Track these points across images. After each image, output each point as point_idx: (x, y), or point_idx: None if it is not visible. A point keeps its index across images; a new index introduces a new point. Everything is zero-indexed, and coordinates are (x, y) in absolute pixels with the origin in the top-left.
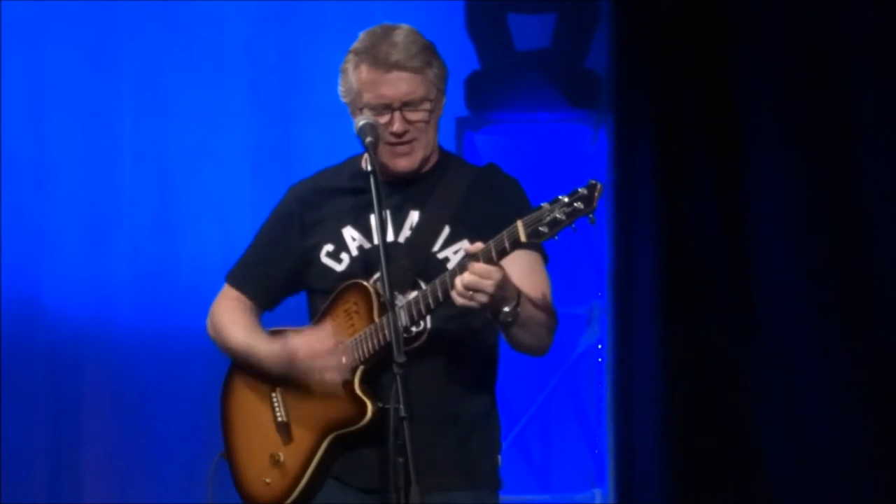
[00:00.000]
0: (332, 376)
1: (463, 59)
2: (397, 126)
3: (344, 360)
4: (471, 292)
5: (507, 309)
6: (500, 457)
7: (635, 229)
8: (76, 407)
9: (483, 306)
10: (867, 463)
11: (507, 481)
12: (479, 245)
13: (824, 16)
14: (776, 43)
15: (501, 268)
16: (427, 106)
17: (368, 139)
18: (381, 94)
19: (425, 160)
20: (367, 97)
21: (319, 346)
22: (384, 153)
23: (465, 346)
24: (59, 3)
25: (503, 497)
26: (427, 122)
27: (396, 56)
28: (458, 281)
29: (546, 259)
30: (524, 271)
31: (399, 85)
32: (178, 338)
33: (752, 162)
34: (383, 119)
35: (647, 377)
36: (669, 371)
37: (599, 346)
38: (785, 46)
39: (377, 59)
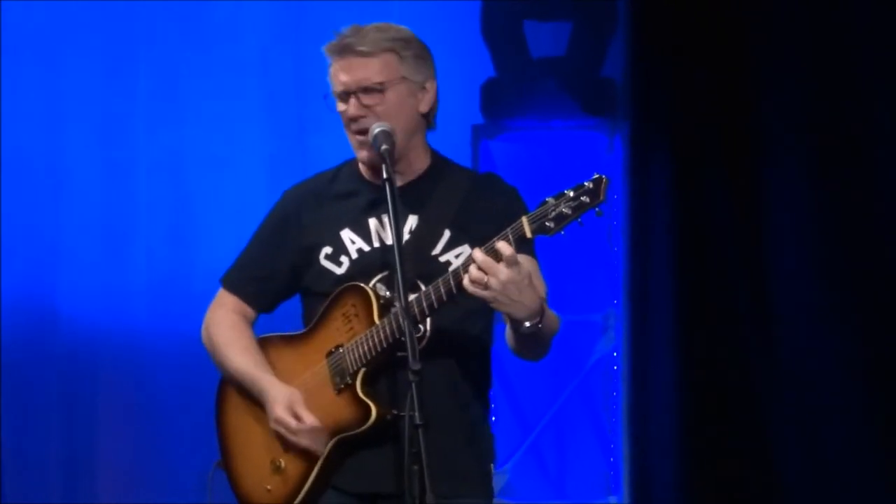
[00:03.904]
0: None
1: (478, 66)
2: (351, 110)
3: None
4: (485, 277)
5: (528, 324)
6: (493, 466)
7: (651, 236)
8: (91, 414)
9: (496, 301)
10: (887, 480)
11: (523, 489)
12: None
13: (842, 23)
14: (794, 50)
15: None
16: (383, 88)
17: (384, 147)
18: (339, 80)
19: (398, 154)
20: (332, 88)
21: (296, 423)
22: (354, 146)
23: (465, 351)
24: (75, 11)
25: None
26: (382, 105)
27: (350, 40)
28: (473, 267)
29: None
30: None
31: (353, 69)
32: (193, 345)
33: (769, 170)
34: (344, 106)
35: (662, 385)
36: (685, 379)
37: (615, 354)
38: (803, 53)
39: (338, 48)
